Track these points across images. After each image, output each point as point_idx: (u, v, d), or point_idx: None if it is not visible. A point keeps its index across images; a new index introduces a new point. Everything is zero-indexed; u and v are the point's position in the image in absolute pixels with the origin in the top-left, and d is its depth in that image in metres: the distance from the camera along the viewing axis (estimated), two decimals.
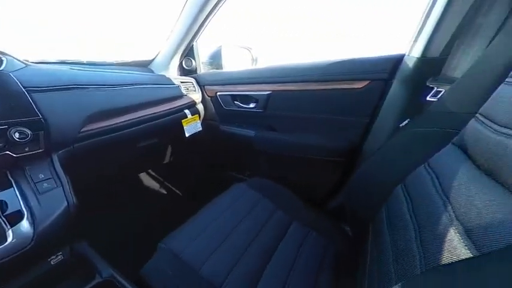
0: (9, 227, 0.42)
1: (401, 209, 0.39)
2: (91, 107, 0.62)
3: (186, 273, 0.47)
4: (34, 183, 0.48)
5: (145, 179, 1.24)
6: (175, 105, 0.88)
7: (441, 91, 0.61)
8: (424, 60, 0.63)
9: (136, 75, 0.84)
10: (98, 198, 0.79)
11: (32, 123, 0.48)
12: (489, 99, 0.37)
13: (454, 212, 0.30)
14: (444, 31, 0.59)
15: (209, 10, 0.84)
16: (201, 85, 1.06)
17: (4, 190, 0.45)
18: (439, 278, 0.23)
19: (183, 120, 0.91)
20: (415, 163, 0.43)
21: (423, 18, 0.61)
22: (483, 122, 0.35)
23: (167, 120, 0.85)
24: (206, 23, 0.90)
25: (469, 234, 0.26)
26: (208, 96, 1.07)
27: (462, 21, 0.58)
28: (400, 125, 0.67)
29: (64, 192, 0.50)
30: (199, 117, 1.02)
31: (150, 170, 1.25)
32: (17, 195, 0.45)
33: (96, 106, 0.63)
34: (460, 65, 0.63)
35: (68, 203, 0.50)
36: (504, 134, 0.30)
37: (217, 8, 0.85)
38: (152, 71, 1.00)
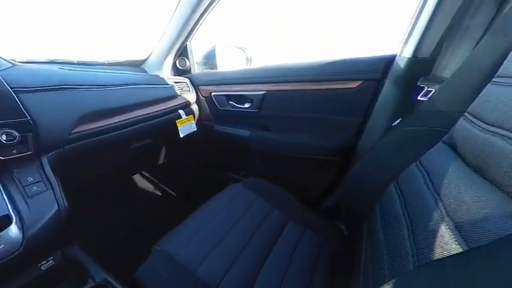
0: None
1: (395, 206, 0.40)
2: (82, 108, 0.60)
3: (182, 275, 0.47)
4: (23, 186, 0.46)
5: (139, 180, 1.23)
6: (169, 106, 0.87)
7: (431, 91, 0.62)
8: (415, 60, 0.65)
9: (129, 75, 0.82)
10: (90, 201, 0.78)
11: (20, 125, 0.47)
12: (477, 99, 0.38)
13: (445, 208, 0.30)
14: (434, 32, 0.61)
15: (202, 10, 0.83)
16: (195, 85, 1.05)
17: None
18: (431, 274, 0.23)
19: (177, 121, 0.90)
20: (407, 161, 0.44)
21: (414, 20, 0.63)
22: (471, 121, 0.36)
23: (161, 120, 0.84)
24: (200, 23, 0.89)
25: (459, 230, 0.26)
26: (203, 96, 1.07)
27: (451, 22, 0.59)
28: (393, 124, 0.69)
29: (54, 196, 0.49)
30: (194, 117, 1.01)
31: (144, 172, 1.24)
32: (4, 199, 0.44)
33: (88, 107, 0.62)
34: (449, 65, 0.64)
35: (58, 206, 0.48)
36: (491, 132, 0.31)
37: (210, 8, 0.84)
38: (145, 71, 0.98)
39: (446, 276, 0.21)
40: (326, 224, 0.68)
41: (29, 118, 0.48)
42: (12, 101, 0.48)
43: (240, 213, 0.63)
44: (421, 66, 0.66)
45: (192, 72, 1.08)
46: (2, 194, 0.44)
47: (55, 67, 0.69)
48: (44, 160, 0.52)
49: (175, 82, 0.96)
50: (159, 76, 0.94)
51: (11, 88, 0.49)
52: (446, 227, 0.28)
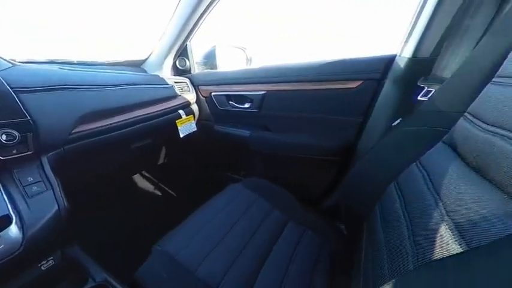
0: None
1: (395, 206, 0.40)
2: (82, 108, 0.60)
3: (182, 275, 0.47)
4: (23, 186, 0.46)
5: (139, 180, 1.23)
6: (169, 106, 0.87)
7: (431, 91, 0.62)
8: (415, 60, 0.65)
9: (129, 75, 0.82)
10: (90, 201, 0.78)
11: (20, 125, 0.47)
12: (477, 99, 0.38)
13: (445, 208, 0.30)
14: (434, 32, 0.61)
15: (202, 10, 0.83)
16: (196, 85, 1.05)
17: None
18: (431, 274, 0.23)
19: (177, 121, 0.90)
20: (407, 161, 0.44)
21: (414, 20, 0.63)
22: (471, 121, 0.36)
23: (161, 120, 0.84)
24: (200, 23, 0.89)
25: (459, 230, 0.26)
26: (203, 96, 1.07)
27: (451, 22, 0.59)
28: (393, 124, 0.69)
29: (54, 196, 0.49)
30: (194, 117, 1.01)
31: (144, 172, 1.24)
32: (4, 199, 0.44)
33: (88, 107, 0.62)
34: (449, 66, 0.64)
35: (58, 206, 0.48)
36: (491, 132, 0.31)
37: (210, 8, 0.84)
38: (145, 71, 0.98)
39: (446, 276, 0.21)
40: (326, 224, 0.68)
41: (29, 118, 0.48)
42: (12, 101, 0.48)
43: (240, 213, 0.63)
44: (421, 66, 0.66)
45: (192, 72, 1.08)
46: (2, 194, 0.44)
47: (55, 67, 0.69)
48: (44, 160, 0.52)
49: (175, 82, 0.96)
50: (159, 76, 0.94)
51: (11, 88, 0.49)
52: (446, 227, 0.28)
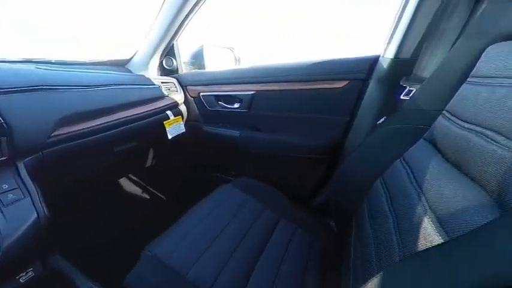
0: None
1: (381, 201, 0.42)
2: (62, 110, 0.57)
3: (173, 279, 0.46)
4: None
5: (126, 184, 1.18)
6: (156, 107, 0.85)
7: (413, 90, 0.65)
8: (397, 61, 0.67)
9: (113, 75, 0.79)
10: (73, 207, 0.74)
11: None
12: (454, 97, 0.41)
13: (427, 202, 0.32)
14: (414, 34, 0.64)
15: (189, 9, 0.82)
16: (183, 85, 1.03)
17: None
18: (416, 265, 0.24)
19: (165, 122, 0.88)
20: (392, 158, 0.46)
21: (395, 21, 0.65)
22: (449, 119, 0.38)
23: (148, 122, 0.82)
24: (186, 22, 0.88)
25: (441, 222, 0.28)
26: (191, 96, 1.05)
27: (429, 24, 0.62)
28: (378, 123, 0.71)
29: (33, 203, 0.46)
30: (182, 118, 0.99)
31: (130, 174, 1.19)
32: None
33: (69, 108, 0.59)
34: (428, 66, 0.68)
35: (37, 214, 0.46)
36: (467, 129, 0.33)
37: (197, 6, 0.83)
38: (130, 71, 0.95)
39: (429, 266, 0.22)
40: (316, 221, 0.70)
41: (2, 121, 0.45)
42: None
43: (231, 214, 0.63)
44: (403, 66, 0.68)
45: (179, 72, 1.06)
46: None
47: (31, 66, 0.65)
48: (21, 165, 0.49)
49: (162, 82, 0.93)
50: (144, 76, 0.91)
51: None
52: (429, 219, 0.29)
